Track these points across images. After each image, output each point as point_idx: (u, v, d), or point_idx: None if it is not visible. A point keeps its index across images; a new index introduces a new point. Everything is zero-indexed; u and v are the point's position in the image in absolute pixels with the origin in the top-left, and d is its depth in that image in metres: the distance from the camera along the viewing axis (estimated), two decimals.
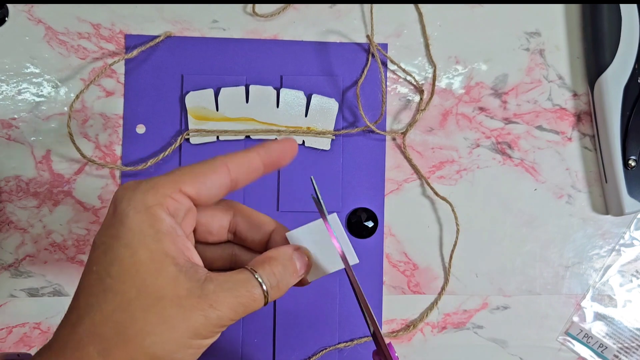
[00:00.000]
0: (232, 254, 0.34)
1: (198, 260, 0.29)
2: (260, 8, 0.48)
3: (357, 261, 0.32)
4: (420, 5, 0.49)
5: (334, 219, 0.32)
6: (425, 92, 0.49)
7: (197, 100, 0.47)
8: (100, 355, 0.25)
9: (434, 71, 0.49)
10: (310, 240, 0.32)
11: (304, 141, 0.48)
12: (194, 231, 0.32)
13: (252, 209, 0.33)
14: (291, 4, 0.48)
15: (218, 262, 0.33)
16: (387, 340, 0.33)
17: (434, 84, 0.49)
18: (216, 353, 0.46)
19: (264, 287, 0.28)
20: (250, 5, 0.48)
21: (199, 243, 0.33)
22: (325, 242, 0.32)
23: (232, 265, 0.34)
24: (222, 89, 0.47)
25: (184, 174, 0.29)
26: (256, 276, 0.28)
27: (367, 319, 0.32)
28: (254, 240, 0.33)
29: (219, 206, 0.33)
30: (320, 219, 0.32)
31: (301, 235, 0.32)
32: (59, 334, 0.27)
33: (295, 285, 0.32)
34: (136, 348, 0.26)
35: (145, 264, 0.27)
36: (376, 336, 0.32)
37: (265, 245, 0.33)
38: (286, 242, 0.32)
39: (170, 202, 0.28)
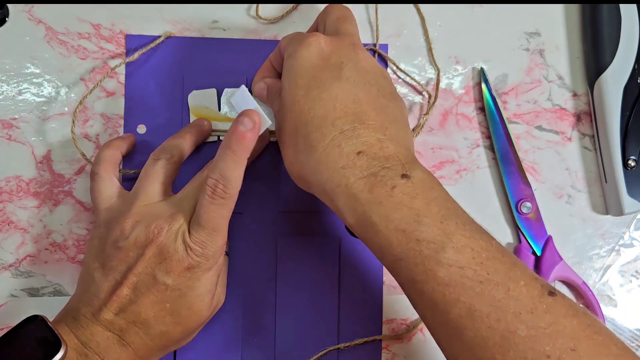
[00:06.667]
0: None
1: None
2: (264, 11, 0.48)
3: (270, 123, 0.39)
4: (421, 6, 0.49)
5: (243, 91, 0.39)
6: (427, 95, 0.49)
7: (200, 100, 0.47)
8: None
9: (438, 75, 0.49)
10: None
11: None
12: None
13: None
14: (294, 7, 0.48)
15: None
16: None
17: (437, 88, 0.49)
18: (216, 353, 0.46)
19: None
20: (252, 8, 0.48)
21: None
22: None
23: None
24: (224, 90, 0.47)
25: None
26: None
27: None
28: None
29: None
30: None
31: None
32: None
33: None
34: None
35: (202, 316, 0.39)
36: None
37: None
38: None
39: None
